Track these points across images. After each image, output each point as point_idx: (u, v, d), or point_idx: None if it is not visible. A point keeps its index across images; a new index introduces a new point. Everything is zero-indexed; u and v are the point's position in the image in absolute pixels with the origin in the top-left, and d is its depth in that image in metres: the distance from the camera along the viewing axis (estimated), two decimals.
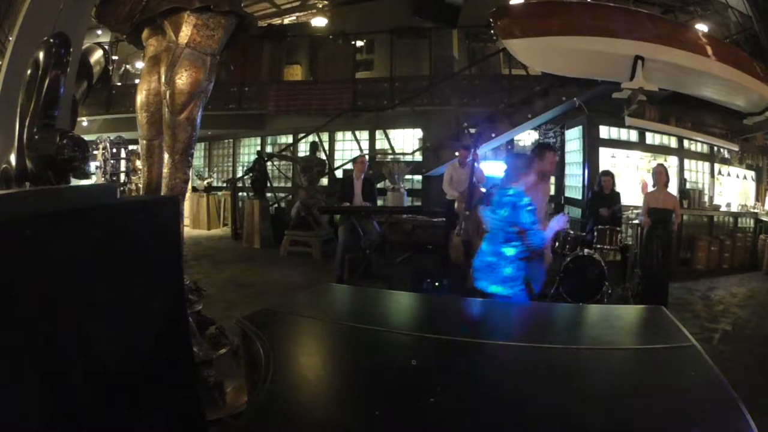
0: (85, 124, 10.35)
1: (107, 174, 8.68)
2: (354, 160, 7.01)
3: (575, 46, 6.64)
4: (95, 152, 8.64)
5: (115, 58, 10.77)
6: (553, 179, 9.21)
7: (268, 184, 9.69)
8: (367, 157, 6.93)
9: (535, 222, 2.88)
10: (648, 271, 5.20)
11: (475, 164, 5.85)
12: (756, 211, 8.21)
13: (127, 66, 12.91)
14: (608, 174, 6.33)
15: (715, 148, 8.41)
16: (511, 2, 8.37)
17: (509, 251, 2.94)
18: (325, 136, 10.43)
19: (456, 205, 5.95)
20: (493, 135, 8.15)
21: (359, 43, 11.12)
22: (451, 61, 9.99)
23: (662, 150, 8.37)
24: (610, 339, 2.14)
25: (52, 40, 2.18)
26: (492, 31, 7.65)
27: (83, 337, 1.41)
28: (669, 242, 5.28)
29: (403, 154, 10.01)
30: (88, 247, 1.46)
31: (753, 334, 4.58)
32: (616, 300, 5.20)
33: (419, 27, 9.75)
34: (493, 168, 8.48)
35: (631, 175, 8.26)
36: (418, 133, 10.16)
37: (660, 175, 5.22)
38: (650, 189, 5.40)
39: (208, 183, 11.64)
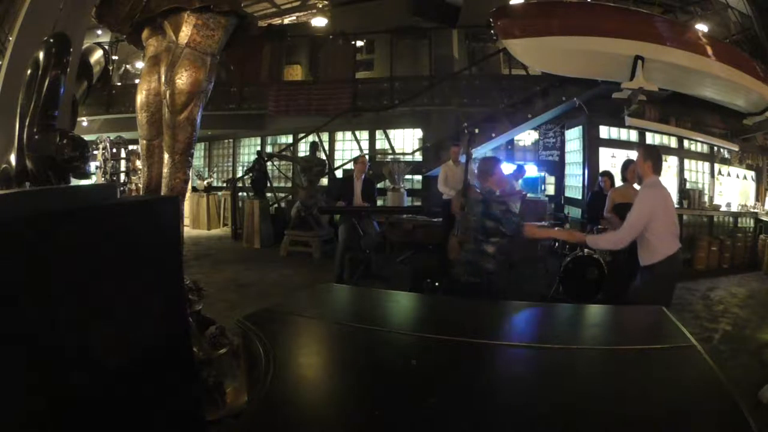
0: (85, 124, 10.35)
1: (107, 174, 8.69)
2: (355, 160, 7.00)
3: (575, 46, 6.65)
4: (95, 152, 8.65)
5: (115, 58, 10.78)
6: (552, 179, 9.24)
7: (268, 184, 9.69)
8: (367, 157, 6.91)
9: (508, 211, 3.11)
10: (615, 275, 4.76)
11: (470, 163, 5.86)
12: (756, 211, 8.21)
13: (127, 66, 12.92)
14: (607, 174, 6.31)
15: (715, 148, 8.41)
16: (511, 2, 8.38)
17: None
18: (325, 136, 10.42)
19: (452, 204, 5.96)
20: (493, 135, 8.16)
21: (359, 43, 11.12)
22: (451, 61, 9.99)
23: (662, 150, 8.35)
24: (610, 339, 2.15)
25: (52, 40, 2.17)
26: (492, 31, 7.65)
27: (83, 337, 1.41)
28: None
29: (403, 154, 10.02)
30: (88, 247, 1.46)
31: (753, 334, 4.58)
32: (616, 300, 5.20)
33: (419, 27, 9.75)
34: None
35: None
36: (418, 133, 10.16)
37: (632, 172, 4.71)
38: (618, 185, 4.90)
39: (208, 183, 11.65)
